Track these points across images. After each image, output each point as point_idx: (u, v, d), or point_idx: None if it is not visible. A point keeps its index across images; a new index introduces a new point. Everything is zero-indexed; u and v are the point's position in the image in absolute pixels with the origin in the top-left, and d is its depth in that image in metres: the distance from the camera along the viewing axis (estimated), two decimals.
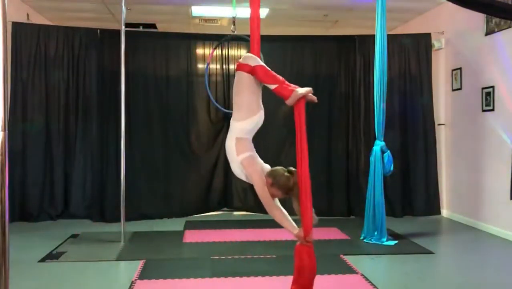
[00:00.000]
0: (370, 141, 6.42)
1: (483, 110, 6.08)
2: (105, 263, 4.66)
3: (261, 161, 3.30)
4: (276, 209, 3.19)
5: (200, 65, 7.13)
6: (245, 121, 3.23)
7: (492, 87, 5.90)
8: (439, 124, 7.10)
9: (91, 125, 6.73)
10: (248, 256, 4.83)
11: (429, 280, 4.23)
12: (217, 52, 7.04)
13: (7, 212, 1.98)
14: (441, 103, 7.12)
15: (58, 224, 6.43)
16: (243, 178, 3.28)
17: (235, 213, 7.23)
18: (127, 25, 5.54)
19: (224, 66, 7.14)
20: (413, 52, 7.06)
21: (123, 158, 5.40)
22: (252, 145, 3.29)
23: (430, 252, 5.03)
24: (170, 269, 4.40)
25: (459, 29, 6.70)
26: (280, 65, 6.62)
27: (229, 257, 4.80)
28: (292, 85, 3.19)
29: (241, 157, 3.19)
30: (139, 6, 7.01)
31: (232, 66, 7.01)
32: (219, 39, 6.76)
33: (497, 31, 5.83)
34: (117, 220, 5.64)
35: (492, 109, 5.91)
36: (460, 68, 6.64)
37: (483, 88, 6.07)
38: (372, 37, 5.72)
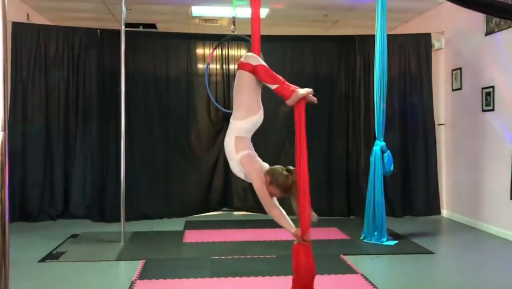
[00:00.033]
0: (370, 141, 6.42)
1: (483, 110, 6.08)
2: (105, 263, 4.66)
3: (260, 160, 3.31)
4: (275, 208, 3.19)
5: (200, 65, 7.13)
6: (245, 120, 3.23)
7: (492, 87, 5.90)
8: (439, 124, 7.09)
9: (91, 125, 6.73)
10: (248, 256, 4.83)
11: (429, 280, 4.23)
12: (217, 52, 7.04)
13: (7, 212, 1.98)
14: (441, 103, 7.11)
15: (58, 224, 6.44)
16: (241, 176, 3.28)
17: (235, 213, 7.23)
18: (127, 25, 5.54)
19: (224, 66, 7.14)
20: (413, 52, 7.05)
21: (123, 158, 5.40)
22: (251, 144, 3.30)
23: (430, 252, 5.03)
24: (170, 269, 4.40)
25: (459, 29, 6.70)
26: (280, 65, 6.62)
27: (229, 257, 4.80)
28: (293, 85, 3.20)
29: (240, 155, 3.19)
30: (139, 6, 7.01)
31: (232, 66, 7.01)
32: (219, 39, 6.77)
33: (497, 31, 5.83)
34: (117, 220, 5.65)
35: (492, 109, 5.91)
36: (460, 68, 6.64)
37: (483, 88, 6.07)
38: (372, 37, 5.72)
